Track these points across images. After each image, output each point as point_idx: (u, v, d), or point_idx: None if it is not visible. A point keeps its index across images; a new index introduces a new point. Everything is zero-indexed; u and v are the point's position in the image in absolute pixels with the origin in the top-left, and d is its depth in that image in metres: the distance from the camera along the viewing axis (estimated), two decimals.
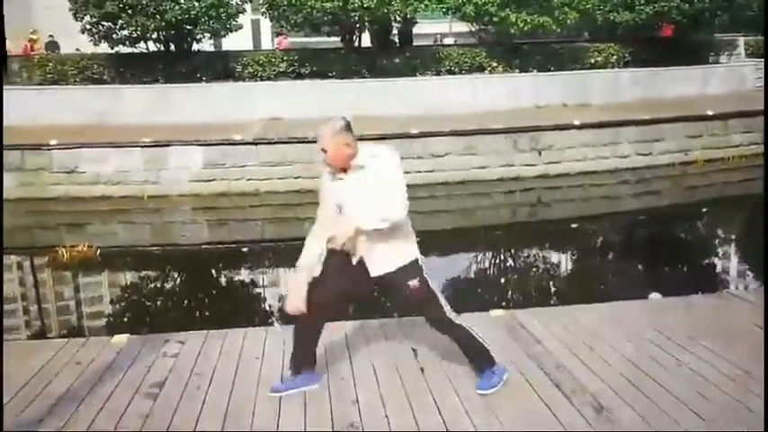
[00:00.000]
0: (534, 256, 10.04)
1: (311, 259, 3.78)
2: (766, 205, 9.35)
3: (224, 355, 4.51)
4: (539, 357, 4.33)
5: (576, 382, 3.95)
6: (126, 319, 7.75)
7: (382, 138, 12.90)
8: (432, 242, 10.85)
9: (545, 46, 20.11)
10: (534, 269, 9.46)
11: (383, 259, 3.68)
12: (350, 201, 3.62)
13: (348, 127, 3.66)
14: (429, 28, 30.40)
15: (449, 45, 23.43)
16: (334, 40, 20.88)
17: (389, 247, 3.66)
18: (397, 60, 18.22)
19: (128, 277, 9.60)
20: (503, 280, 9.05)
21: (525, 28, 17.91)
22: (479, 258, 9.84)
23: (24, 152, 12.55)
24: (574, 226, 11.55)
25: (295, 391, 3.91)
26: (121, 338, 4.85)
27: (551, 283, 8.78)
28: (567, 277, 9.03)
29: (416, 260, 3.75)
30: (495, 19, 18.06)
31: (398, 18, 18.57)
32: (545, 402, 3.73)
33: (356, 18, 17.52)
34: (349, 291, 3.89)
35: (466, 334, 3.84)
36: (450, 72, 18.30)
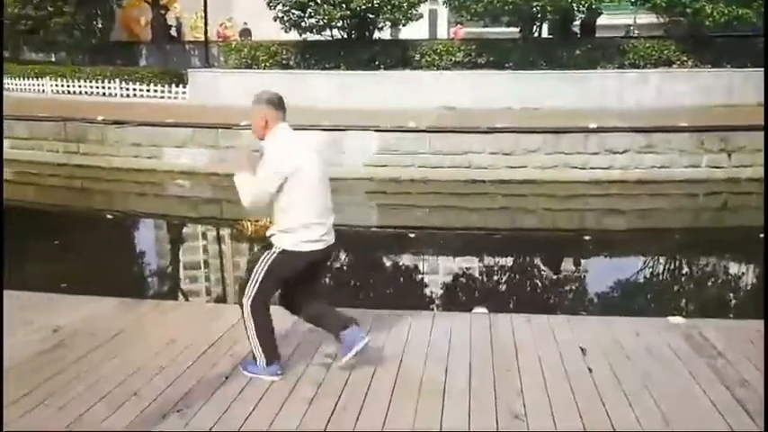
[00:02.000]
0: (715, 264, 9.40)
1: None
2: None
3: (392, 334, 4.67)
4: (721, 371, 4.08)
5: (762, 403, 3.68)
6: None
7: (555, 132, 12.67)
8: (605, 242, 10.53)
9: (742, 39, 18.57)
10: (713, 278, 8.87)
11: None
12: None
13: (272, 102, 3.86)
14: (613, 19, 29.10)
15: (634, 37, 22.31)
16: (512, 31, 20.63)
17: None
18: (577, 52, 17.66)
19: None
20: (679, 287, 8.57)
21: (721, 20, 16.66)
22: (654, 262, 9.38)
23: (219, 131, 13.60)
24: (762, 236, 10.64)
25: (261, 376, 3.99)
26: None
27: (732, 294, 8.20)
28: (750, 291, 8.37)
29: (269, 245, 3.92)
30: (688, 10, 16.96)
31: (582, 8, 17.97)
32: (726, 420, 3.51)
33: (538, 8, 17.18)
34: None
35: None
36: (634, 66, 17.45)
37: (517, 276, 9.12)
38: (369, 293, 8.23)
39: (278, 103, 3.89)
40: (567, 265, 9.50)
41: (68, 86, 19.26)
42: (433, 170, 12.95)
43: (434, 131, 13.06)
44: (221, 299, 8.12)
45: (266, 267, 3.91)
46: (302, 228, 3.86)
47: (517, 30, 19.59)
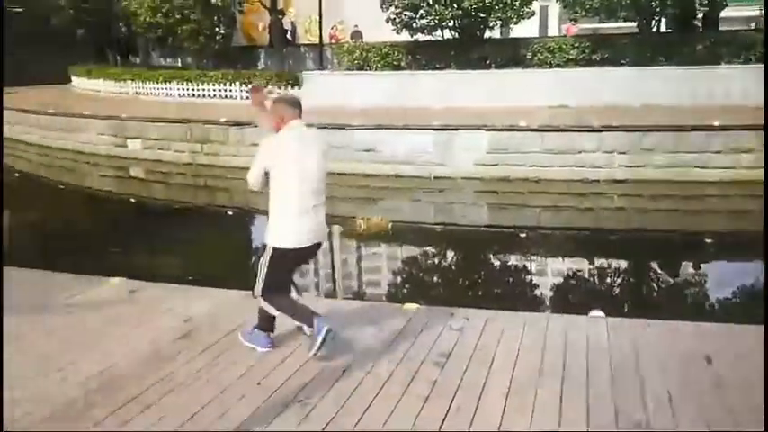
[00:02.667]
0: None
1: None
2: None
3: (506, 335, 4.68)
4: None
5: None
6: (410, 289, 8.33)
7: (675, 129, 12.17)
8: (729, 246, 10.02)
9: None
10: None
11: None
12: None
13: (288, 102, 4.30)
14: (737, 11, 27.49)
15: (761, 30, 21.00)
16: (629, 26, 19.94)
17: None
18: (699, 47, 16.85)
19: (413, 250, 10.28)
20: None
21: None
22: None
23: (332, 131, 13.94)
24: None
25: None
26: (412, 306, 5.27)
27: None
28: None
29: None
30: None
31: (705, 0, 17.13)
32: None
33: (657, 1, 16.52)
34: None
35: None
36: (761, 61, 16.43)
37: (634, 280, 8.85)
38: (480, 293, 8.23)
39: (294, 103, 4.29)
40: (687, 268, 9.13)
41: (193, 90, 20.29)
42: (545, 169, 12.74)
43: (547, 130, 12.85)
44: (330, 294, 8.35)
45: (267, 263, 4.23)
46: (284, 221, 4.14)
47: (634, 24, 18.92)
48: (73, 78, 26.86)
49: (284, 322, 4.90)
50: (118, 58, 27.64)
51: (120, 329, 4.84)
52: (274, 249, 4.19)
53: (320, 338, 4.15)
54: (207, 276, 7.30)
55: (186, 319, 5.01)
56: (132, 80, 22.38)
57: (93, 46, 29.07)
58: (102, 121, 16.91)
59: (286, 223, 4.14)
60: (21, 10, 26.95)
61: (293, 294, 4.50)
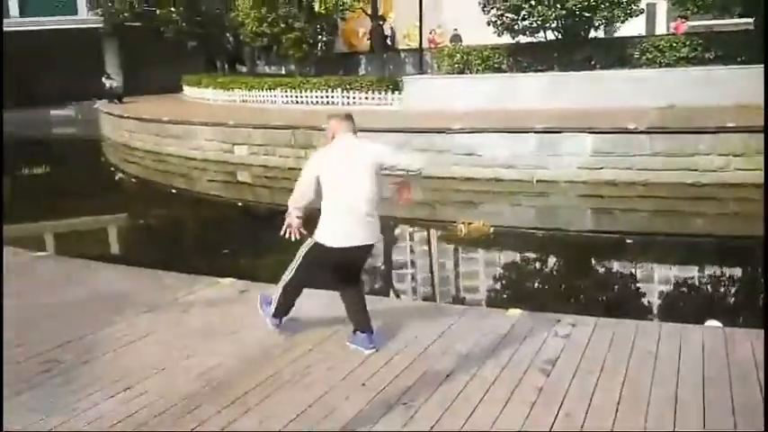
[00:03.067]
0: None
1: None
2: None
3: (615, 344, 4.51)
4: None
5: None
6: (512, 295, 8.20)
7: None
8: None
9: None
10: None
11: None
12: None
13: (338, 118, 4.58)
14: None
15: None
16: (745, 22, 18.88)
17: None
18: None
19: (514, 255, 10.13)
20: None
21: None
22: None
23: (432, 135, 13.96)
24: None
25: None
26: (516, 312, 5.17)
27: None
28: None
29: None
30: None
31: None
32: None
33: None
34: None
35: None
36: None
37: (751, 289, 8.35)
38: (585, 300, 8.00)
39: (344, 118, 4.57)
40: None
41: (297, 97, 20.83)
42: (654, 173, 12.24)
43: (656, 132, 12.35)
44: (430, 297, 8.32)
45: (302, 256, 4.53)
46: (329, 224, 4.40)
47: (751, 20, 17.90)
48: (184, 88, 28.16)
49: (384, 324, 4.94)
50: (226, 67, 28.78)
51: (229, 329, 5.00)
52: (315, 243, 4.47)
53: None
54: None
55: (293, 320, 5.12)
56: (239, 88, 23.22)
57: (203, 56, 30.42)
58: (211, 127, 17.63)
59: (325, 222, 4.43)
60: (138, 24, 28.52)
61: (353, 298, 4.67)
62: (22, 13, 31.51)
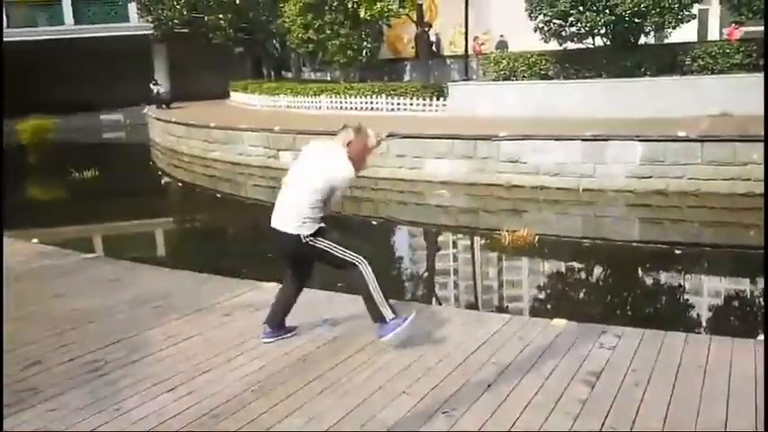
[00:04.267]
0: None
1: None
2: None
3: (662, 357, 4.39)
4: None
5: None
6: (556, 304, 8.07)
7: None
8: None
9: None
10: None
11: None
12: None
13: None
14: None
15: None
16: None
17: None
18: None
19: (559, 265, 9.98)
20: None
21: None
22: None
23: (477, 142, 13.87)
24: None
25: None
26: (561, 322, 5.07)
27: None
28: None
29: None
30: None
31: None
32: None
33: None
34: None
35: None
36: None
37: None
38: (631, 311, 7.83)
39: (340, 129, 4.75)
40: None
41: (341, 102, 20.95)
42: (707, 182, 11.94)
43: (708, 140, 12.05)
44: (473, 305, 8.25)
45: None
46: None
47: None
48: (231, 93, 28.60)
49: (427, 331, 4.90)
50: (272, 73, 29.13)
51: None
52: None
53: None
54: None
55: (334, 324, 5.12)
56: (284, 94, 23.46)
57: (249, 62, 30.85)
58: (256, 133, 17.83)
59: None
60: (186, 31, 29.11)
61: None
62: (77, 21, 32.44)
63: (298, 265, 4.84)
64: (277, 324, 4.88)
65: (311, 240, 4.56)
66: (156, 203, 15.98)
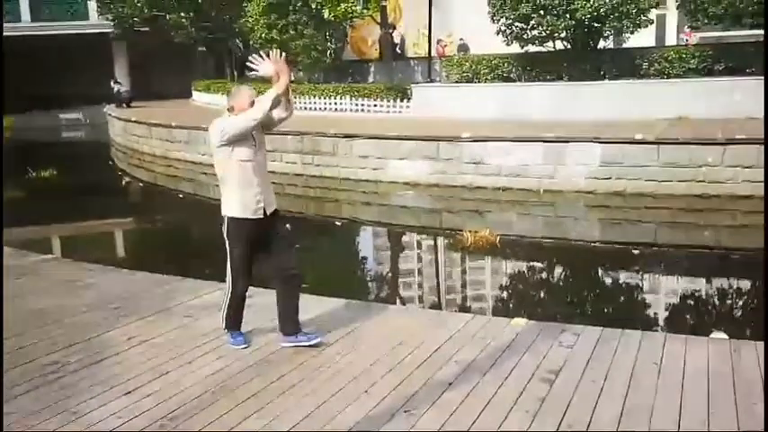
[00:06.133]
0: None
1: None
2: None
3: (619, 355, 4.49)
4: None
5: None
6: (517, 304, 8.18)
7: None
8: None
9: None
10: None
11: None
12: None
13: None
14: None
15: None
16: (756, 33, 18.79)
17: None
18: None
19: (520, 265, 10.11)
20: None
21: None
22: None
23: (440, 143, 13.96)
24: None
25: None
26: (521, 321, 5.16)
27: None
28: None
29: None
30: None
31: None
32: None
33: None
34: None
35: None
36: None
37: (759, 301, 8.29)
38: (591, 310, 7.97)
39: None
40: None
41: (305, 103, 20.88)
42: (663, 184, 12.20)
43: (665, 143, 12.31)
44: (436, 305, 8.31)
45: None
46: None
47: (761, 32, 17.82)
48: (194, 93, 28.28)
49: (390, 331, 4.93)
50: (236, 73, 28.86)
51: None
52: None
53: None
54: (317, 285, 7.44)
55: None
56: None
57: (212, 62, 30.54)
58: None
59: None
60: (147, 29, 28.71)
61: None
62: (34, 18, 31.74)
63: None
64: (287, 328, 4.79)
65: (223, 222, 4.56)
66: (116, 204, 15.73)
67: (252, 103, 4.43)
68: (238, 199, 4.46)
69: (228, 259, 4.58)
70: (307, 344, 4.64)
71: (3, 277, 5.99)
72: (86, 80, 30.89)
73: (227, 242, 4.54)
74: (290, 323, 4.69)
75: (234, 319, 4.76)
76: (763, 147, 11.23)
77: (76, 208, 14.37)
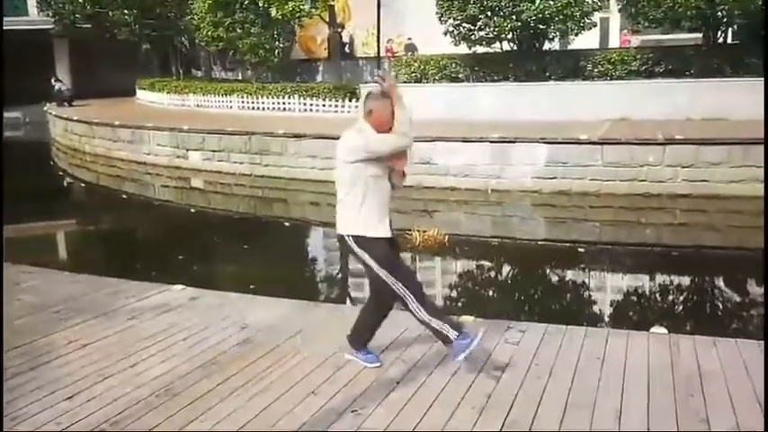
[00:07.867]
0: None
1: None
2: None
3: (564, 350, 4.58)
4: None
5: None
6: (466, 302, 8.26)
7: (743, 143, 11.78)
8: None
9: None
10: None
11: None
12: None
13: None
14: None
15: None
16: (694, 37, 19.43)
17: None
18: None
19: (468, 264, 10.21)
20: None
21: None
22: None
23: None
24: None
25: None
26: (468, 319, 5.20)
27: None
28: None
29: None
30: None
31: None
32: None
33: (724, 12, 16.07)
34: None
35: None
36: None
37: (697, 297, 8.58)
38: (537, 308, 8.10)
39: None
40: (753, 287, 8.79)
41: (253, 103, 20.69)
42: (606, 183, 12.49)
43: (608, 143, 12.60)
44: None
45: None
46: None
47: (700, 36, 18.43)
48: (138, 91, 27.72)
49: (338, 332, 4.92)
50: (181, 71, 28.41)
51: (179, 335, 4.93)
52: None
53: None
54: (266, 286, 7.39)
55: (244, 326, 5.07)
56: (194, 93, 22.95)
57: (157, 60, 29.97)
58: (164, 132, 17.37)
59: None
60: (89, 26, 28.00)
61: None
62: None
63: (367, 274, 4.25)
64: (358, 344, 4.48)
65: (351, 242, 4.13)
66: (57, 205, 15.29)
67: (392, 112, 4.06)
68: (377, 218, 4.10)
69: (389, 281, 4.10)
70: (364, 364, 4.39)
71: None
72: (26, 78, 29.93)
73: (372, 264, 4.09)
74: (366, 339, 4.48)
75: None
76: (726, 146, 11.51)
77: (15, 210, 13.91)
